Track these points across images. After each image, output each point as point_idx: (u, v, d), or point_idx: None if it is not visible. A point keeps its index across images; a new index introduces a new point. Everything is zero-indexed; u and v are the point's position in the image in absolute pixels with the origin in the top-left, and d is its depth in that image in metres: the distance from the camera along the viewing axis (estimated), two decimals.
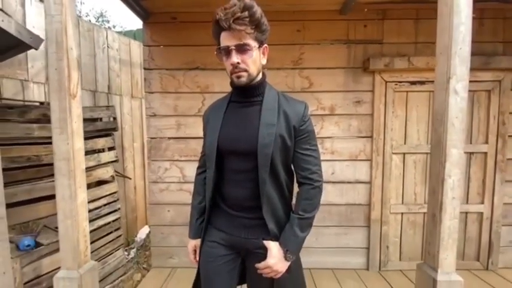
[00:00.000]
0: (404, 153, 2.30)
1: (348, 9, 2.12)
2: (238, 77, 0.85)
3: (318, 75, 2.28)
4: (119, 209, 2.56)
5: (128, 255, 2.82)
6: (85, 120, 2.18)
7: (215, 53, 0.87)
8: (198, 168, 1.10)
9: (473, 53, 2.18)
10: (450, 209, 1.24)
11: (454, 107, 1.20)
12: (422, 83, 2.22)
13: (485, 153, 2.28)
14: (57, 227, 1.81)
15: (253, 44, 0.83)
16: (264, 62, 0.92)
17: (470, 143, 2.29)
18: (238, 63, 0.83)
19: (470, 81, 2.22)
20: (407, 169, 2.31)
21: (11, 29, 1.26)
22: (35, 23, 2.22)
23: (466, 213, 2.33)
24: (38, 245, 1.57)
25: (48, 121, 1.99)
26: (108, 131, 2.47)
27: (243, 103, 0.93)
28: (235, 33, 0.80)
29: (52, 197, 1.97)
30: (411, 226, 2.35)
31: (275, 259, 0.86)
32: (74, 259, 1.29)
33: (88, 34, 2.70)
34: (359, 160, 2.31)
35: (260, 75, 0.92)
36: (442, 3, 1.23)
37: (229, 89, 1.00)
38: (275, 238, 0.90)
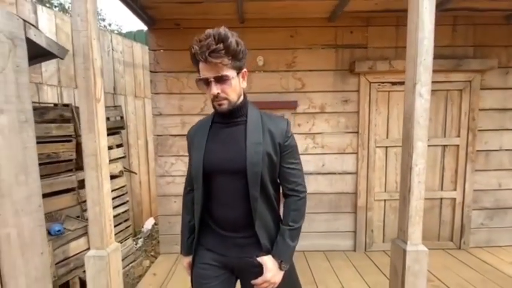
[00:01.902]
0: (386, 147, 2.57)
1: (336, 17, 2.35)
2: (220, 105, 0.87)
3: (310, 77, 2.51)
4: (128, 201, 2.77)
5: (136, 244, 3.04)
6: None
7: (196, 82, 0.88)
8: (185, 188, 1.09)
9: (447, 57, 2.48)
10: (417, 191, 1.50)
11: (420, 107, 1.44)
12: (401, 83, 2.45)
13: (458, 145, 2.57)
14: (77, 216, 2.03)
15: (232, 73, 0.84)
16: (244, 85, 0.92)
17: (444, 137, 2.57)
18: (218, 93, 0.84)
19: (444, 82, 2.52)
20: (389, 161, 2.59)
21: (42, 42, 1.45)
22: (46, 27, 2.38)
23: (441, 199, 2.63)
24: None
25: (64, 121, 2.20)
26: (116, 130, 2.66)
27: (227, 123, 0.93)
28: (213, 65, 0.80)
29: (69, 190, 2.18)
30: (393, 211, 2.63)
31: (271, 272, 0.89)
32: (102, 240, 1.51)
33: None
34: (346, 153, 2.57)
35: (241, 98, 0.92)
36: (410, 21, 1.46)
37: None
38: (267, 252, 0.92)
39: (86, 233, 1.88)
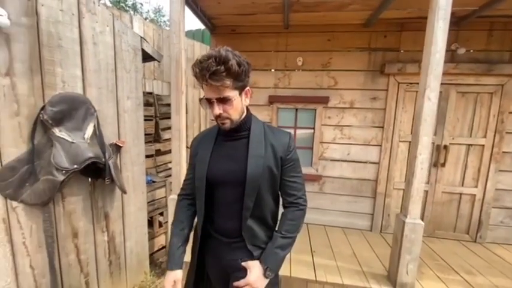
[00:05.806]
0: (409, 142, 2.83)
1: (371, 23, 2.65)
2: (223, 124, 0.89)
3: (342, 76, 2.87)
4: None
5: None
6: (168, 105, 3.11)
7: (199, 101, 0.91)
8: (181, 194, 1.09)
9: (480, 61, 2.65)
10: (419, 176, 1.86)
11: (427, 108, 1.78)
12: None
13: (483, 145, 2.71)
14: (157, 174, 2.79)
15: (234, 94, 0.83)
16: (247, 102, 0.92)
17: (470, 136, 2.73)
18: (220, 113, 0.85)
19: (474, 85, 2.68)
20: None
21: (149, 51, 2.12)
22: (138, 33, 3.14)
23: (460, 194, 2.82)
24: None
25: (148, 105, 2.95)
26: None
27: (230, 137, 0.95)
28: (214, 87, 0.80)
29: (149, 156, 2.97)
30: None
31: (255, 276, 0.91)
32: (178, 189, 2.20)
33: (167, 39, 3.59)
34: (371, 145, 2.91)
35: (244, 114, 0.93)
36: (427, 36, 1.78)
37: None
38: (256, 258, 0.95)
39: (164, 186, 2.63)
